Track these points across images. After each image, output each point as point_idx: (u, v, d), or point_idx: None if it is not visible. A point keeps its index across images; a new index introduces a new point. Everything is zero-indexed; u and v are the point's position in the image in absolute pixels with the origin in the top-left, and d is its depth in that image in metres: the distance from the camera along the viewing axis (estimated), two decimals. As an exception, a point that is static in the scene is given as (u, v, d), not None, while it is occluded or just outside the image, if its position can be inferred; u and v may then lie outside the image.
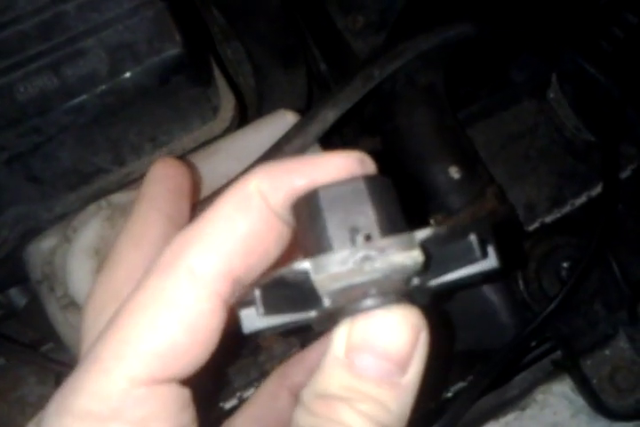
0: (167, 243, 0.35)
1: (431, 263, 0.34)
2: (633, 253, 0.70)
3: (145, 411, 0.32)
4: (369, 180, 0.33)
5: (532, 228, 0.74)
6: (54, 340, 0.72)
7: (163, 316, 0.33)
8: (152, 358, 0.32)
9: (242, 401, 0.64)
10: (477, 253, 0.33)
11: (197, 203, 0.60)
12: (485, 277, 0.36)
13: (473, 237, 0.33)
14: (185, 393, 0.34)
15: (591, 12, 0.87)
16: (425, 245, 0.32)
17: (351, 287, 0.32)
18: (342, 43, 0.91)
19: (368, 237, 0.32)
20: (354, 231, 0.32)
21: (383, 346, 0.32)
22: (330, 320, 0.34)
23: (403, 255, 0.31)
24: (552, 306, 0.61)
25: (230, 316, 0.34)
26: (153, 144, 0.68)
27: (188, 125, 0.68)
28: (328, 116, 0.62)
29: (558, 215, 0.74)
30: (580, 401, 0.64)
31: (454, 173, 0.67)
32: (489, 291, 0.65)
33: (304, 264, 0.31)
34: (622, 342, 0.64)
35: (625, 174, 0.75)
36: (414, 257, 0.31)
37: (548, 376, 0.65)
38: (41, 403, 0.69)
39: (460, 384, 0.65)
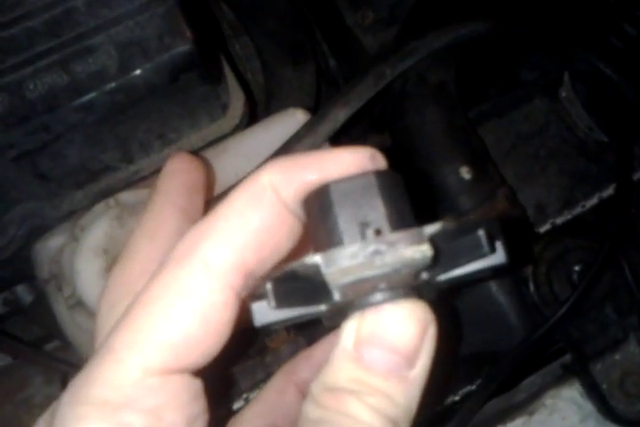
0: (181, 236, 0.35)
1: (440, 258, 0.34)
2: (645, 256, 0.69)
3: (158, 400, 0.33)
4: (379, 175, 0.34)
5: (542, 229, 0.73)
6: (60, 337, 0.72)
7: (176, 307, 0.33)
8: (165, 349, 0.33)
9: (248, 402, 0.64)
10: (485, 247, 0.33)
11: (210, 200, 0.60)
12: (494, 272, 0.37)
13: (481, 233, 0.33)
14: (197, 384, 0.35)
15: (603, 9, 0.86)
16: (434, 240, 0.33)
17: (361, 281, 0.32)
18: (352, 38, 0.90)
19: (378, 232, 0.33)
20: (364, 226, 0.33)
21: (391, 340, 0.33)
22: (339, 314, 0.35)
23: (412, 249, 0.31)
24: (563, 310, 0.60)
25: (242, 311, 0.35)
26: (161, 142, 0.67)
27: (196, 123, 0.67)
28: (339, 116, 0.62)
29: (569, 217, 0.73)
30: (589, 406, 0.64)
31: (465, 173, 0.66)
32: (499, 293, 0.64)
33: (315, 258, 0.32)
34: (633, 347, 0.64)
35: (638, 176, 0.74)
36: (423, 251, 0.32)
37: (558, 381, 0.65)
38: (47, 404, 0.68)
39: (468, 388, 0.65)
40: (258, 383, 0.66)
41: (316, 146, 0.62)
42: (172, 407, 0.33)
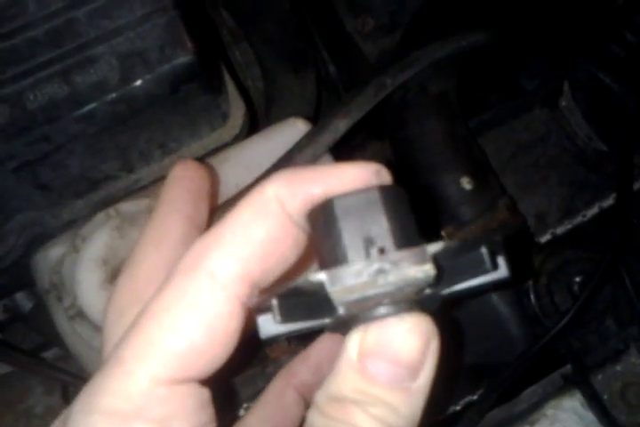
0: (188, 247, 0.36)
1: (443, 275, 0.35)
2: (646, 267, 0.69)
3: (166, 410, 0.33)
4: (383, 190, 0.34)
5: (543, 239, 0.73)
6: (60, 345, 0.72)
7: (184, 318, 0.34)
8: (173, 359, 0.33)
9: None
10: (488, 265, 0.34)
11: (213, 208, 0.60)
12: (496, 286, 0.37)
13: (484, 250, 0.34)
14: (204, 393, 0.36)
15: (603, 17, 0.86)
16: (437, 258, 0.33)
17: (365, 299, 0.33)
18: (352, 45, 0.90)
19: (382, 250, 0.33)
20: (368, 242, 0.33)
21: (395, 352, 0.33)
22: (343, 326, 0.35)
23: (415, 269, 0.32)
24: (564, 321, 0.60)
25: (247, 320, 0.35)
26: (162, 151, 0.67)
27: (197, 132, 0.67)
28: (339, 126, 0.62)
29: (569, 226, 0.73)
30: (590, 417, 0.64)
31: (466, 183, 0.66)
32: (500, 305, 0.64)
33: (320, 276, 0.32)
34: (634, 358, 0.64)
35: (638, 185, 0.74)
36: (426, 271, 0.32)
37: (559, 391, 0.65)
38: (48, 414, 0.68)
39: (470, 397, 0.65)
40: (258, 393, 0.66)
41: (316, 156, 0.62)
42: (181, 417, 0.34)
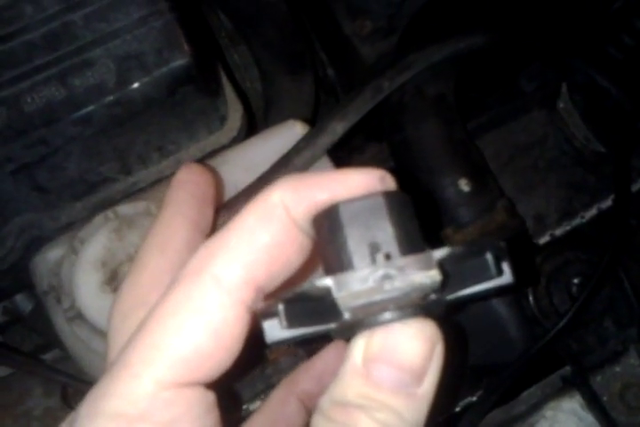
0: (192, 251, 0.36)
1: (448, 280, 0.35)
2: (644, 268, 0.69)
3: (172, 413, 0.34)
4: (388, 196, 0.34)
5: (541, 241, 0.73)
6: (59, 346, 0.72)
7: (189, 322, 0.34)
8: (178, 363, 0.34)
9: (248, 413, 0.64)
10: (493, 270, 0.34)
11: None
12: (500, 291, 0.37)
13: (489, 256, 0.34)
14: (210, 397, 0.36)
15: (601, 20, 0.86)
16: (442, 264, 0.34)
17: (371, 304, 0.33)
18: (350, 48, 0.90)
19: (388, 256, 0.33)
20: (373, 247, 0.34)
21: (400, 357, 0.33)
22: (349, 330, 0.35)
23: (421, 275, 0.32)
24: (562, 322, 0.60)
25: (252, 325, 0.36)
26: (160, 154, 0.67)
27: (195, 135, 0.68)
28: (337, 129, 0.62)
29: (568, 228, 0.73)
30: (589, 418, 0.64)
31: (464, 185, 0.66)
32: (499, 306, 0.64)
33: (326, 281, 0.33)
34: (633, 359, 0.64)
35: (636, 187, 0.74)
36: (432, 276, 0.32)
37: (558, 392, 0.65)
38: (47, 416, 0.68)
39: (469, 399, 0.65)
40: (258, 394, 0.66)
41: (314, 158, 0.62)
42: (186, 420, 0.34)
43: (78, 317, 0.59)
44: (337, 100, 1.00)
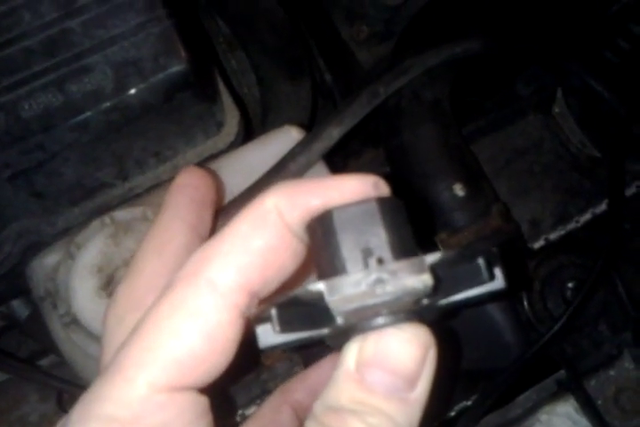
0: (189, 255, 0.36)
1: (440, 285, 0.35)
2: (638, 272, 0.69)
3: (164, 417, 0.34)
4: (381, 201, 0.35)
5: (536, 245, 0.74)
6: (56, 352, 0.72)
7: (183, 325, 0.34)
8: (172, 366, 0.34)
9: (244, 418, 0.64)
10: (485, 275, 0.34)
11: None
12: (492, 296, 0.37)
13: (481, 261, 0.34)
14: (203, 401, 0.36)
15: (598, 24, 0.87)
16: (434, 268, 0.34)
17: (363, 308, 0.33)
18: (347, 53, 0.91)
19: (380, 261, 0.33)
20: (366, 252, 0.34)
21: (393, 362, 0.34)
22: (342, 335, 0.36)
23: (413, 279, 0.32)
24: (557, 327, 0.60)
25: (246, 330, 0.36)
26: (157, 159, 0.67)
27: (192, 140, 0.68)
28: (333, 134, 0.62)
29: (563, 232, 0.74)
30: (584, 422, 0.64)
31: (459, 190, 0.66)
32: (493, 310, 0.64)
33: (319, 286, 0.33)
34: (627, 363, 0.64)
35: (630, 191, 0.74)
36: (424, 281, 0.33)
37: (552, 396, 0.65)
38: (43, 422, 0.68)
39: (464, 403, 0.65)
40: (253, 399, 0.66)
41: (310, 164, 0.62)
42: (179, 424, 0.34)
43: (74, 322, 0.60)
44: (334, 105, 1.00)
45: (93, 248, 0.60)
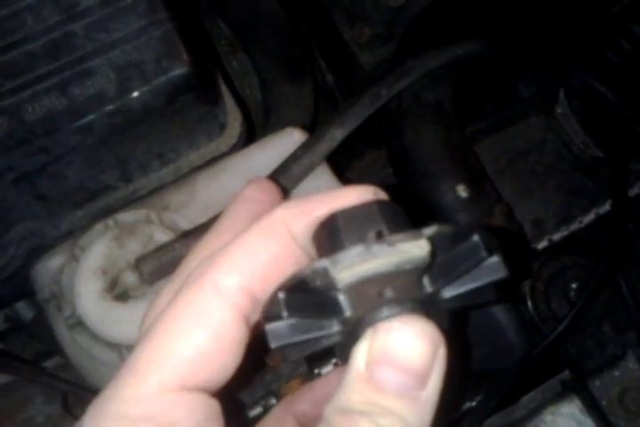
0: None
1: (440, 267, 0.35)
2: (642, 273, 0.69)
3: (174, 415, 0.34)
4: (381, 203, 0.37)
5: (540, 245, 0.74)
6: (60, 353, 0.72)
7: (190, 325, 0.35)
8: (181, 365, 0.35)
9: (248, 420, 0.64)
10: (483, 251, 0.34)
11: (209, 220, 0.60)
12: (496, 291, 0.37)
13: (476, 237, 0.35)
14: (213, 404, 0.36)
15: (599, 25, 0.87)
16: (432, 240, 0.34)
17: (366, 280, 0.34)
18: (348, 54, 0.91)
19: (379, 235, 0.35)
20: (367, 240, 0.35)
21: (402, 359, 0.33)
22: (351, 339, 0.35)
23: (411, 244, 0.33)
24: (561, 327, 0.60)
25: (251, 335, 0.37)
26: (160, 161, 0.68)
27: (195, 143, 0.68)
28: (336, 135, 0.62)
29: (566, 233, 0.74)
30: (588, 422, 0.64)
31: (462, 191, 0.66)
32: (498, 311, 0.64)
33: (322, 261, 0.34)
34: (631, 364, 0.64)
35: (634, 191, 0.74)
36: (421, 245, 0.34)
37: (557, 397, 0.65)
38: (48, 424, 0.68)
39: (469, 404, 0.65)
40: (257, 401, 0.66)
41: (313, 165, 0.62)
42: (188, 424, 0.35)
43: (79, 324, 0.60)
44: (336, 107, 1.00)
45: (97, 251, 0.60)
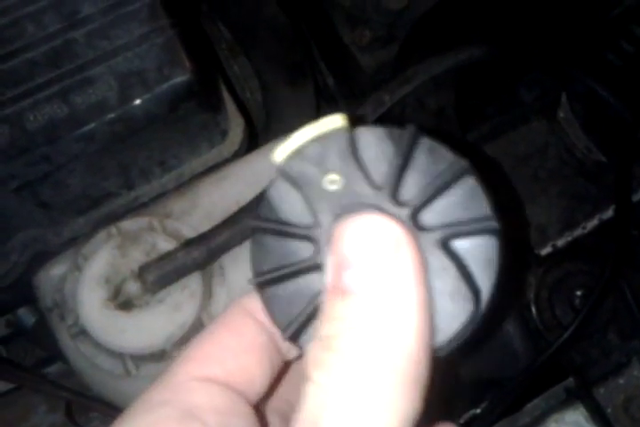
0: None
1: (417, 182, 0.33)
2: (647, 279, 0.69)
3: (193, 400, 0.35)
4: None
5: (543, 252, 0.73)
6: (63, 360, 0.72)
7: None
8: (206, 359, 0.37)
9: None
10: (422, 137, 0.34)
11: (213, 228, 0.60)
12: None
13: (412, 129, 0.34)
14: (239, 401, 0.36)
15: (600, 27, 0.86)
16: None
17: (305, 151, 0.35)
18: (349, 57, 0.90)
19: None
20: None
21: (366, 250, 0.31)
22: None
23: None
24: (566, 335, 0.60)
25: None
26: (162, 168, 0.67)
27: (196, 149, 0.68)
28: (339, 142, 0.62)
29: (570, 238, 0.73)
30: (593, 430, 0.64)
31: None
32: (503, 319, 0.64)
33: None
34: (636, 371, 0.64)
35: (637, 197, 0.74)
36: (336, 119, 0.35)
37: (562, 405, 0.64)
38: (51, 433, 0.68)
39: (473, 411, 0.65)
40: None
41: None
42: (208, 410, 0.35)
43: (82, 333, 0.60)
44: (337, 110, 1.00)
45: (100, 259, 0.60)
